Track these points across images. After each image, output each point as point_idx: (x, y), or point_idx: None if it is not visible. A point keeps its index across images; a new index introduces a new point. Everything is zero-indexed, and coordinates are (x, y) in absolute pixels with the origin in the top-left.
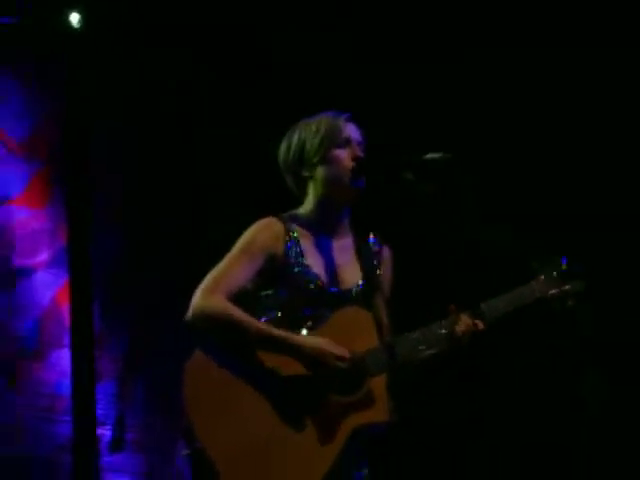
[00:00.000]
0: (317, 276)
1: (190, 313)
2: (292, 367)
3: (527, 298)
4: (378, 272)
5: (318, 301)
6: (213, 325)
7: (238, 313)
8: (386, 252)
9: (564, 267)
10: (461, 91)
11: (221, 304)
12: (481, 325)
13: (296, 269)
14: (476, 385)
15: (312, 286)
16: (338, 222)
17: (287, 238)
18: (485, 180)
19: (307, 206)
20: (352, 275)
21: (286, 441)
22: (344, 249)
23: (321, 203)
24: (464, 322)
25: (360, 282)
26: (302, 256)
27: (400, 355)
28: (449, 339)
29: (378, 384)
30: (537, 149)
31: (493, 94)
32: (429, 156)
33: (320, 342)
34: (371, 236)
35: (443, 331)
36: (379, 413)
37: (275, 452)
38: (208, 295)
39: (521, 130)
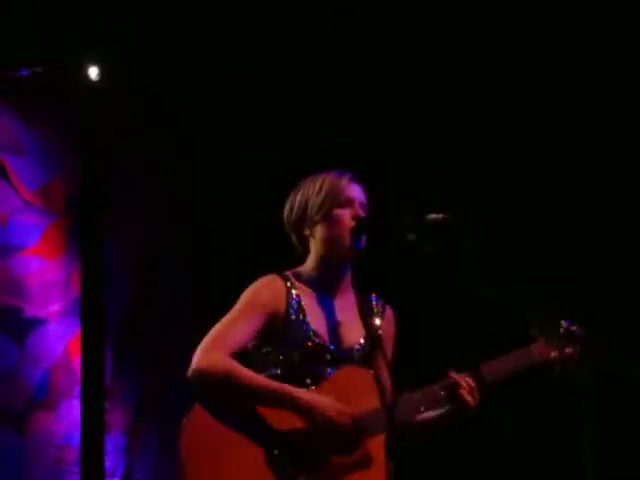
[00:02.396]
0: (318, 334)
1: (190, 371)
2: (290, 426)
3: (527, 361)
4: (380, 331)
5: (318, 359)
6: (213, 383)
7: (239, 368)
8: (389, 312)
9: (565, 329)
10: (464, 153)
11: (221, 362)
12: (477, 393)
13: (297, 327)
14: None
15: (312, 344)
16: (339, 280)
17: (288, 296)
18: (487, 240)
19: (309, 264)
20: (353, 334)
21: None
22: (345, 307)
23: (322, 261)
24: (467, 384)
25: (362, 341)
26: (303, 314)
27: (400, 416)
28: (452, 401)
29: (376, 445)
30: (540, 209)
31: (494, 154)
32: (431, 217)
33: (321, 397)
34: (373, 295)
35: (443, 393)
36: (376, 475)
37: None
38: (209, 353)
39: (523, 190)
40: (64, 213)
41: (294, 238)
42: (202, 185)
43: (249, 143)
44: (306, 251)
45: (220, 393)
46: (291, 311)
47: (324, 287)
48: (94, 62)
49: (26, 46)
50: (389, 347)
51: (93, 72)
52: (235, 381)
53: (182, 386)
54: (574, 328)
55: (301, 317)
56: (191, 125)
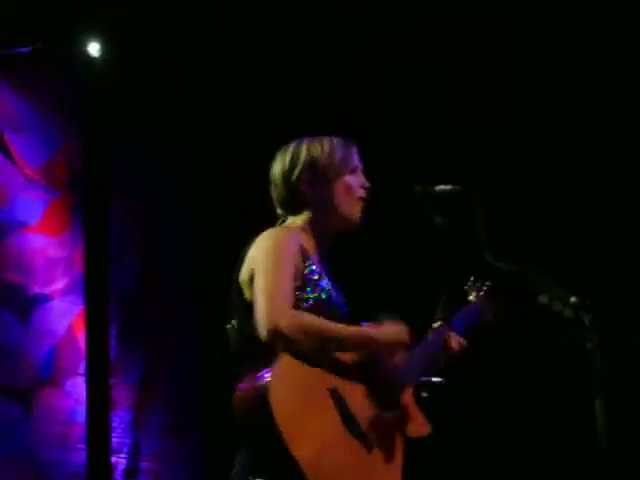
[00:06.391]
0: (329, 291)
1: (269, 332)
2: (353, 387)
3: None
4: None
5: (331, 314)
6: (297, 338)
7: (317, 319)
8: None
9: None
10: (475, 123)
11: (298, 316)
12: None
13: (311, 283)
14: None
15: (327, 303)
16: (328, 243)
17: (305, 251)
18: (496, 212)
19: (301, 223)
20: (339, 294)
21: (363, 459)
22: (328, 269)
23: (318, 223)
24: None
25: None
26: (315, 270)
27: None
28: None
29: (408, 398)
30: (549, 183)
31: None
32: (440, 188)
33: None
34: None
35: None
36: (422, 426)
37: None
38: (280, 310)
39: (532, 163)
40: (67, 189)
41: (284, 196)
42: (205, 160)
43: (250, 117)
44: (296, 210)
45: (305, 345)
46: (307, 264)
47: (317, 247)
48: (95, 38)
49: (26, 22)
50: None
51: (94, 48)
52: (319, 331)
53: (187, 362)
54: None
55: (315, 274)
56: (194, 99)
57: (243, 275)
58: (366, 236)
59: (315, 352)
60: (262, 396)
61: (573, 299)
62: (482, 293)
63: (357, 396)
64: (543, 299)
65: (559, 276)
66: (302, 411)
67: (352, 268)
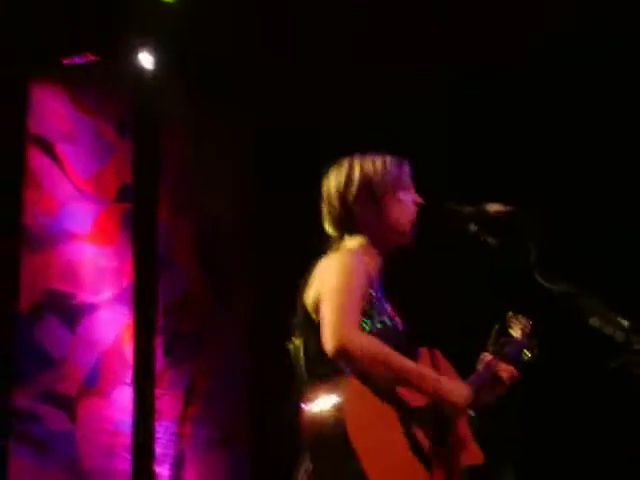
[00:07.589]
0: (390, 313)
1: (336, 349)
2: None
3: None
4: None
5: (393, 339)
6: (362, 359)
7: (386, 348)
8: None
9: (625, 326)
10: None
11: (367, 340)
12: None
13: (376, 306)
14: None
15: (390, 323)
16: (383, 264)
17: (370, 274)
18: (549, 232)
19: (357, 243)
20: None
21: None
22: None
23: (375, 243)
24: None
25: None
26: (379, 292)
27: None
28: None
29: (463, 427)
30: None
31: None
32: (492, 208)
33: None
34: None
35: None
36: (476, 455)
37: None
38: (347, 333)
39: (585, 182)
40: (116, 201)
41: (337, 214)
42: (259, 171)
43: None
44: (348, 229)
45: (369, 368)
46: (373, 288)
47: (376, 268)
48: (148, 50)
49: (80, 33)
50: None
51: (147, 60)
52: (385, 359)
53: (233, 374)
54: (635, 324)
55: (380, 298)
56: (247, 110)
57: (309, 297)
58: (417, 256)
59: (377, 377)
60: (337, 413)
61: (625, 323)
62: (527, 331)
63: (421, 423)
64: (594, 322)
65: (612, 299)
66: (374, 430)
67: (403, 290)
